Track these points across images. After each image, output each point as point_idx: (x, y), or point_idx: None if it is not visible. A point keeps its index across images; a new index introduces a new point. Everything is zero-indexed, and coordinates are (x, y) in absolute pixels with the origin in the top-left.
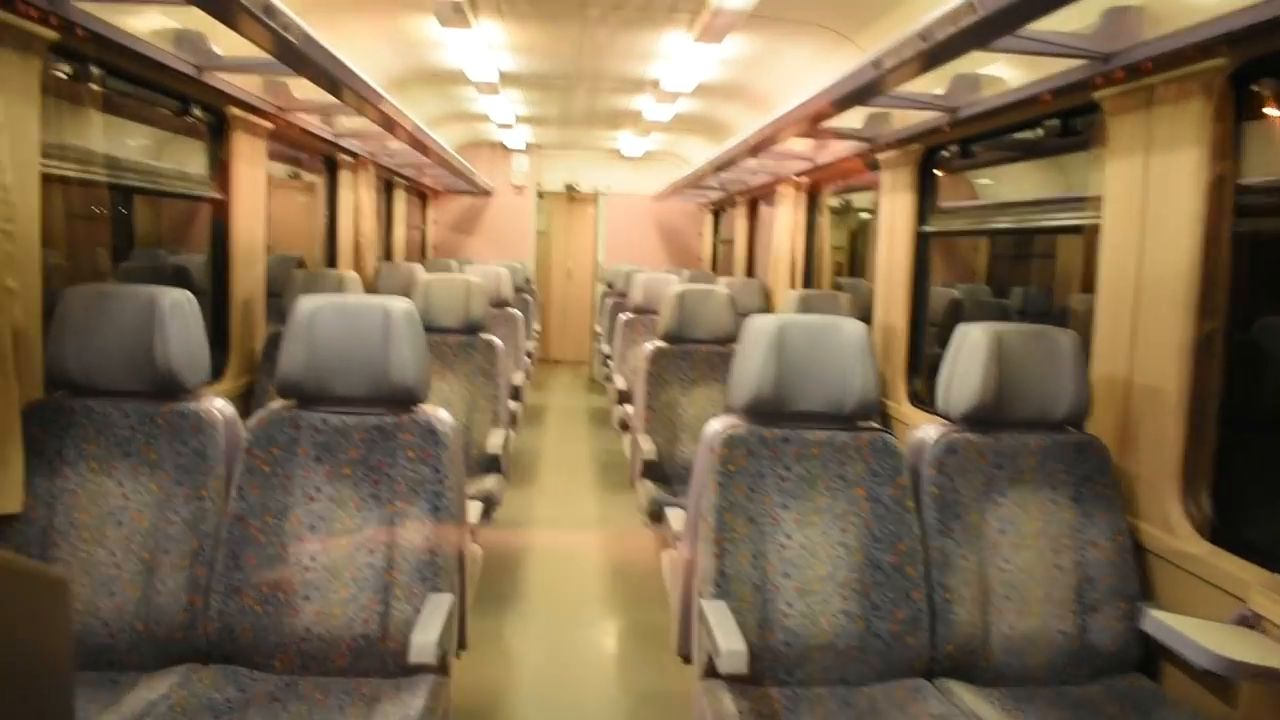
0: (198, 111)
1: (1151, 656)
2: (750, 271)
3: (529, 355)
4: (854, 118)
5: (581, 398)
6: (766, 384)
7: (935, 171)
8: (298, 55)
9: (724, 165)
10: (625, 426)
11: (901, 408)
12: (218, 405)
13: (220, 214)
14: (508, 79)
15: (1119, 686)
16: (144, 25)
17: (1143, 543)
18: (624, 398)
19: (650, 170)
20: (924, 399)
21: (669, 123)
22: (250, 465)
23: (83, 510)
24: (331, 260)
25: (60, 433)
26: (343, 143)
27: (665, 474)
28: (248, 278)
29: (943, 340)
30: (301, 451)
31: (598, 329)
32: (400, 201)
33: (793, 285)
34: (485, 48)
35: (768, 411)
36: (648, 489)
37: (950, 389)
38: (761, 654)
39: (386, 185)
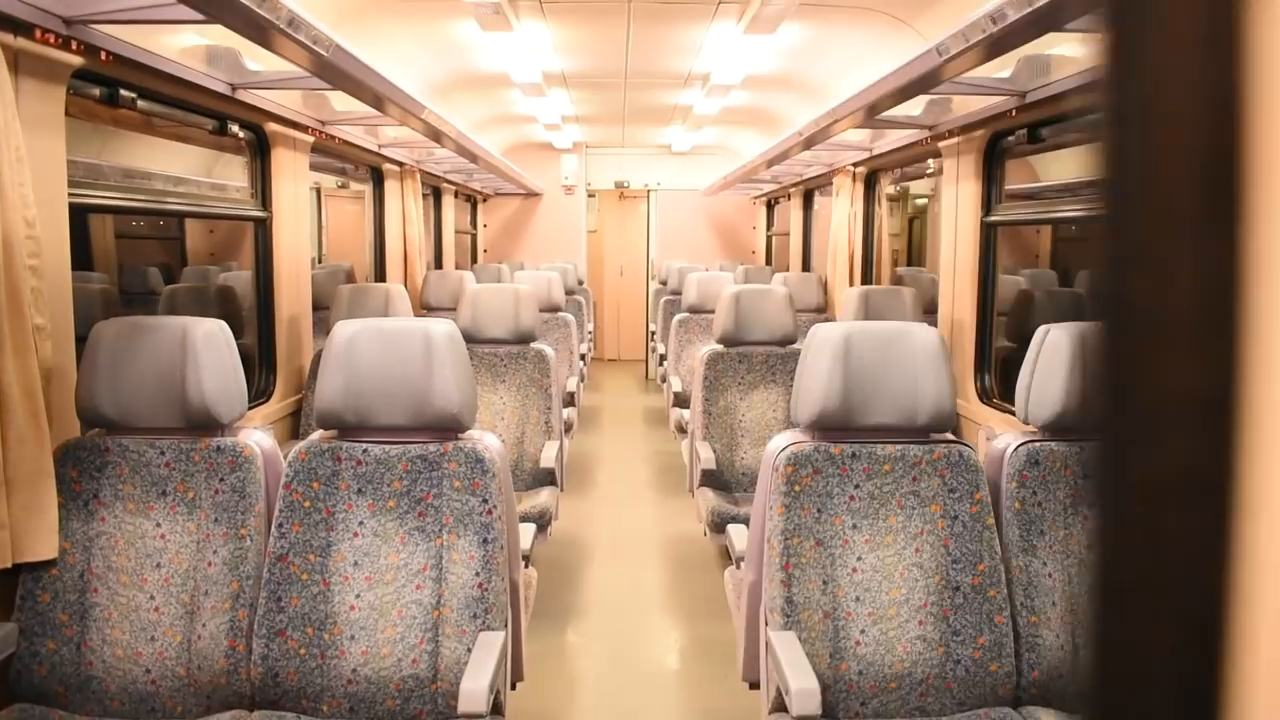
0: (237, 129)
1: None
2: (806, 264)
3: (582, 359)
4: (913, 104)
5: (638, 398)
6: (833, 397)
7: (1001, 158)
8: (334, 70)
9: (777, 159)
10: (682, 429)
11: (970, 405)
12: (255, 438)
13: (264, 230)
14: (553, 79)
15: None
16: (175, 45)
17: None
18: (680, 400)
19: (701, 165)
20: (993, 395)
21: (719, 116)
22: (290, 501)
23: (120, 554)
24: (380, 271)
25: (95, 473)
26: (388, 152)
27: (725, 481)
28: (293, 294)
29: (1011, 333)
30: (343, 485)
31: (653, 327)
32: (449, 207)
33: (851, 278)
34: (528, 49)
35: (835, 426)
36: (708, 499)
37: (1031, 395)
38: (834, 685)
39: (435, 191)
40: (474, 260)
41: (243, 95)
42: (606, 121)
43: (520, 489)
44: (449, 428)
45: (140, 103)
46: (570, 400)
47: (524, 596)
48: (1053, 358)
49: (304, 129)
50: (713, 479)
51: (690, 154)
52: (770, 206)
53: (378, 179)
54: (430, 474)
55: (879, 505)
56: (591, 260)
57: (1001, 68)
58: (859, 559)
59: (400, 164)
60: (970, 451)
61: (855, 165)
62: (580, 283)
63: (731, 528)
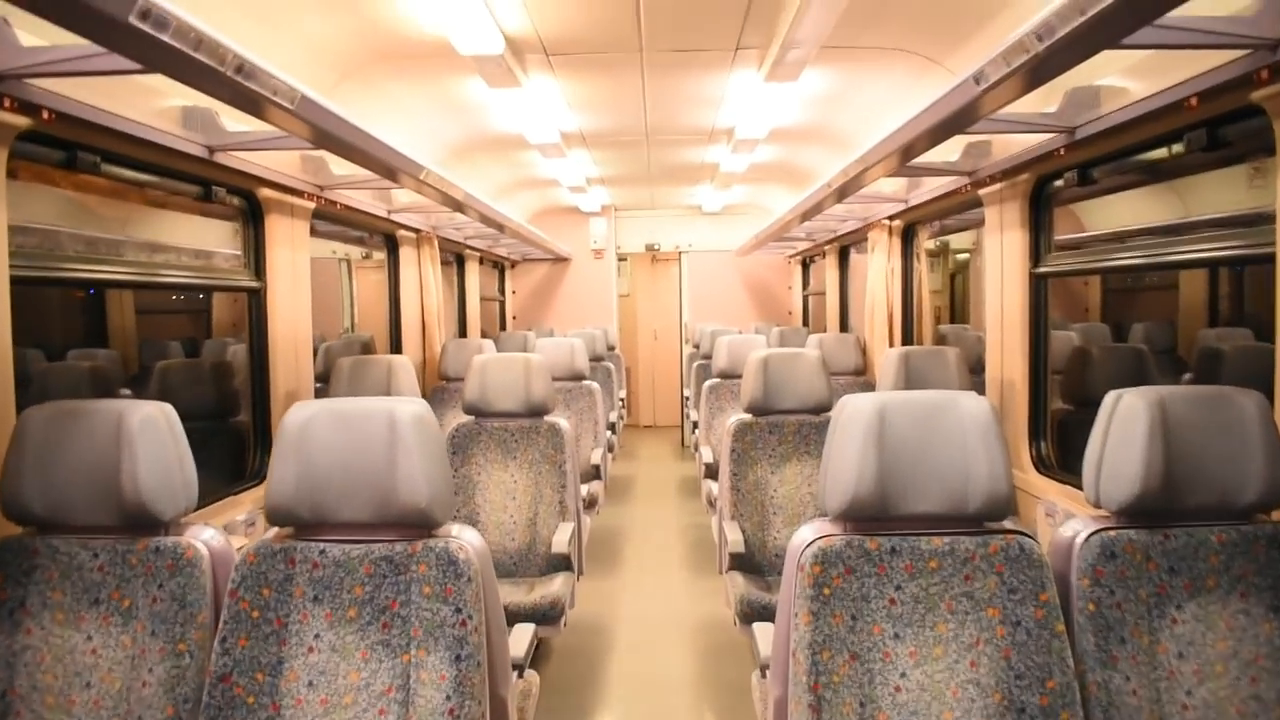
0: (228, 195)
1: None
2: (844, 325)
3: (611, 428)
4: (950, 150)
5: (672, 466)
6: (867, 481)
7: (1049, 204)
8: (316, 130)
9: (808, 213)
10: (713, 503)
11: (1026, 476)
12: (204, 538)
13: (258, 301)
14: (572, 139)
15: None
16: (150, 106)
17: None
18: (711, 471)
19: (732, 224)
20: (1050, 464)
21: (747, 173)
22: (236, 611)
23: (47, 671)
24: (397, 340)
25: (22, 579)
26: (401, 218)
27: (757, 564)
28: (290, 369)
29: (1067, 394)
30: (298, 591)
31: (686, 393)
32: (473, 274)
33: (890, 338)
34: (541, 107)
35: (870, 515)
36: (737, 584)
37: (1102, 473)
38: None
39: (457, 258)
40: (502, 327)
41: (223, 159)
42: (633, 183)
43: (533, 575)
44: (418, 524)
45: (107, 167)
46: (596, 473)
47: (516, 710)
48: (1127, 428)
49: (301, 194)
50: (743, 562)
51: (721, 214)
52: (806, 265)
53: (392, 246)
54: (397, 578)
55: (925, 610)
56: (625, 325)
57: (1046, 103)
58: (903, 676)
59: (416, 230)
60: (1032, 544)
61: (891, 218)
62: (611, 348)
63: (758, 627)
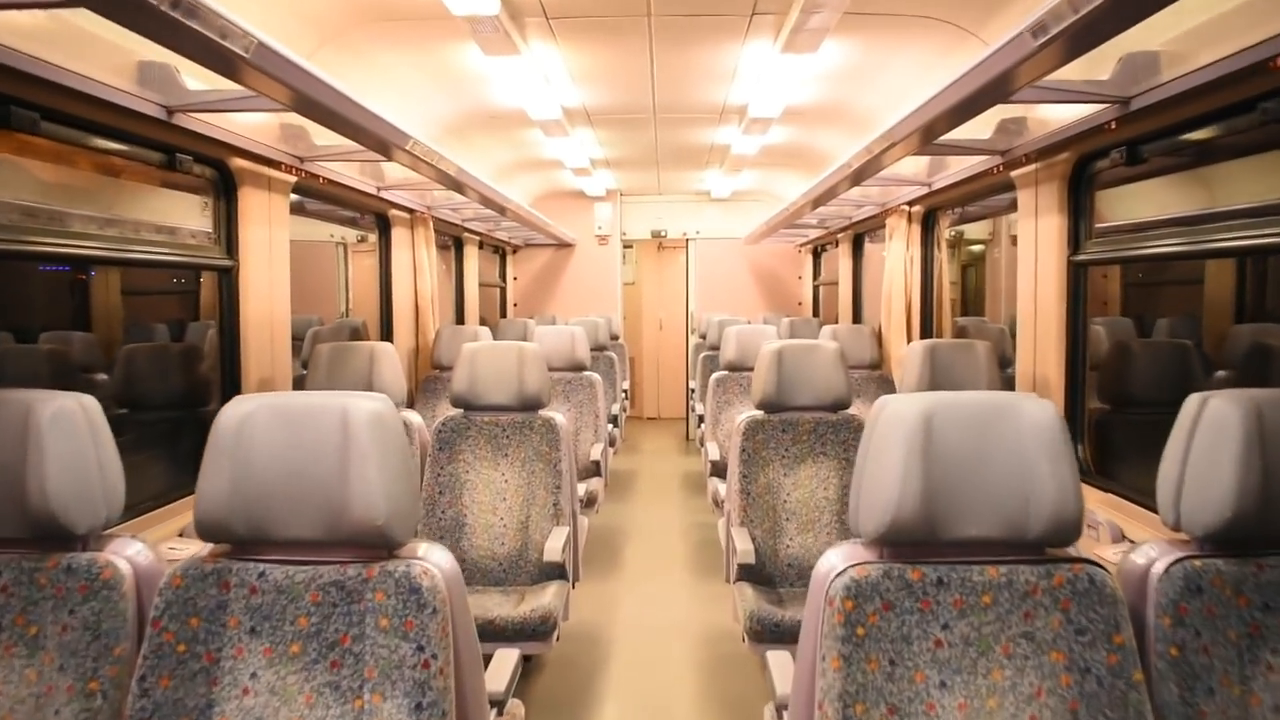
0: (195, 165)
1: None
2: (857, 316)
3: (613, 421)
4: (980, 126)
5: (677, 461)
6: (910, 499)
7: (1090, 185)
8: (310, 103)
9: (822, 198)
10: (719, 504)
11: None
12: (128, 554)
13: (230, 281)
14: (575, 116)
15: None
16: (102, 61)
17: None
18: (717, 469)
19: (742, 211)
20: (1088, 470)
21: (758, 156)
22: (159, 645)
23: None
24: (387, 326)
25: None
26: (392, 196)
27: (768, 575)
28: (264, 355)
29: (1103, 392)
30: (232, 621)
31: (692, 385)
32: (472, 258)
33: (908, 330)
34: (541, 78)
35: (913, 540)
36: (746, 597)
37: (1184, 491)
38: None
39: (455, 241)
40: (503, 314)
41: (186, 121)
42: (640, 166)
43: (524, 583)
44: (375, 544)
45: (48, 126)
46: (596, 469)
47: None
48: (1216, 439)
49: (279, 166)
50: (752, 572)
51: (730, 200)
52: (817, 255)
53: (384, 226)
54: (349, 608)
55: (977, 654)
56: (630, 314)
57: (1092, 72)
58: None
59: (410, 210)
60: (1104, 576)
61: (910, 204)
62: (614, 337)
63: (773, 657)
